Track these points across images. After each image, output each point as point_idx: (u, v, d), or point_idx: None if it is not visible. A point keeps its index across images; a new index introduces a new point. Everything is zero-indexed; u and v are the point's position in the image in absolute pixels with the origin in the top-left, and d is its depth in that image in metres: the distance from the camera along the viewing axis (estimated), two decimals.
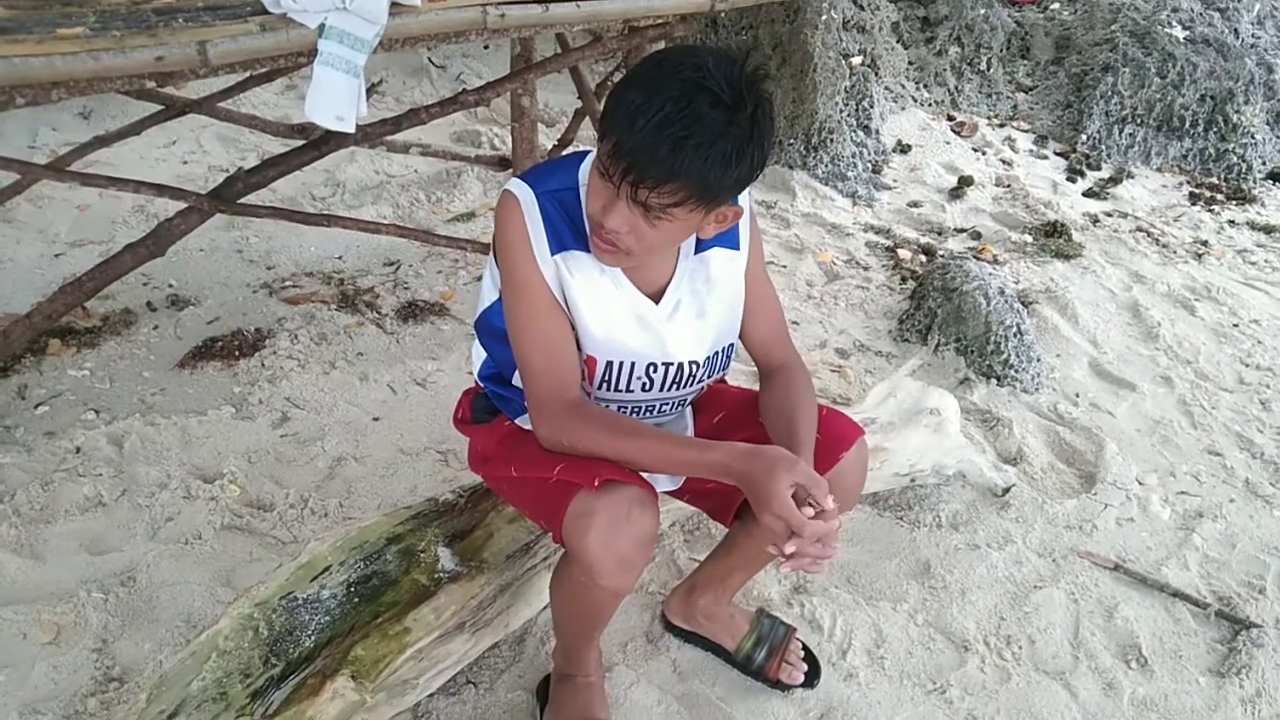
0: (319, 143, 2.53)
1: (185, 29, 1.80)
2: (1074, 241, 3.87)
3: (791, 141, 4.17)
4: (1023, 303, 3.21)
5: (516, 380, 1.53)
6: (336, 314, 2.87)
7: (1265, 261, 3.97)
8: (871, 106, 4.47)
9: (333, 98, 1.98)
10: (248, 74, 2.29)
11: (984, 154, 4.71)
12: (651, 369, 1.48)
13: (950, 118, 4.99)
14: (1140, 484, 2.54)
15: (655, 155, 1.19)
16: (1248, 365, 3.18)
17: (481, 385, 1.65)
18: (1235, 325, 3.41)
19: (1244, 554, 2.34)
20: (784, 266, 3.47)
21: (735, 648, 1.87)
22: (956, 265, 3.18)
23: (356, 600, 1.57)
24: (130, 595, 1.90)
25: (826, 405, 1.58)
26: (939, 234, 3.89)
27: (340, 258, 3.19)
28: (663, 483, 1.59)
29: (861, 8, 4.78)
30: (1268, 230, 4.26)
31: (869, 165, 4.32)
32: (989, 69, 5.23)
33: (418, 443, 2.41)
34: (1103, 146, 4.82)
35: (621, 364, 1.47)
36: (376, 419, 2.47)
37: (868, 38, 4.76)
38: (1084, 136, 4.84)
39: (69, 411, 2.37)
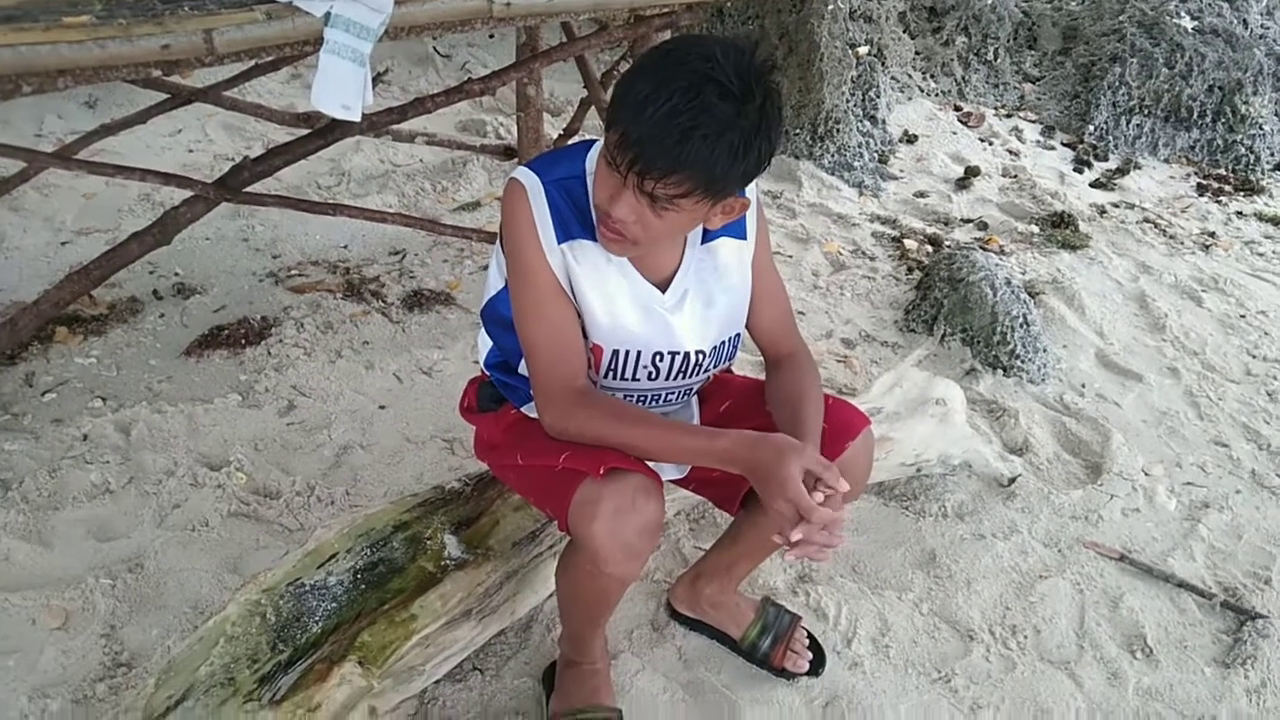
0: (325, 131, 2.53)
1: (191, 17, 1.80)
2: (1081, 232, 3.86)
3: (798, 131, 4.16)
4: (1029, 293, 3.20)
5: (522, 369, 1.54)
6: (342, 303, 2.87)
7: (1273, 253, 3.96)
8: (878, 96, 4.46)
9: (339, 86, 1.97)
10: (253, 62, 2.28)
11: (991, 144, 4.69)
12: (658, 358, 1.48)
13: (957, 108, 4.97)
14: (1146, 475, 2.53)
15: (662, 146, 1.19)
16: (1254, 356, 3.17)
17: (487, 374, 1.66)
18: (1242, 316, 3.41)
19: (1250, 545, 2.34)
20: (790, 256, 3.47)
21: (740, 636, 1.88)
22: (963, 255, 3.18)
23: (363, 587, 1.58)
24: (138, 581, 1.91)
25: (833, 395, 1.58)
26: (945, 224, 3.88)
27: (346, 247, 3.20)
28: (668, 471, 1.59)
29: None
30: (1275, 221, 4.24)
31: (875, 155, 4.30)
32: (996, 59, 5.21)
33: (424, 431, 2.41)
34: (1110, 137, 4.80)
35: (628, 352, 1.47)
36: (382, 407, 2.48)
37: (874, 27, 4.74)
38: (1091, 127, 4.82)
39: (76, 399, 2.38)
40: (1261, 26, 5.06)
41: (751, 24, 4.42)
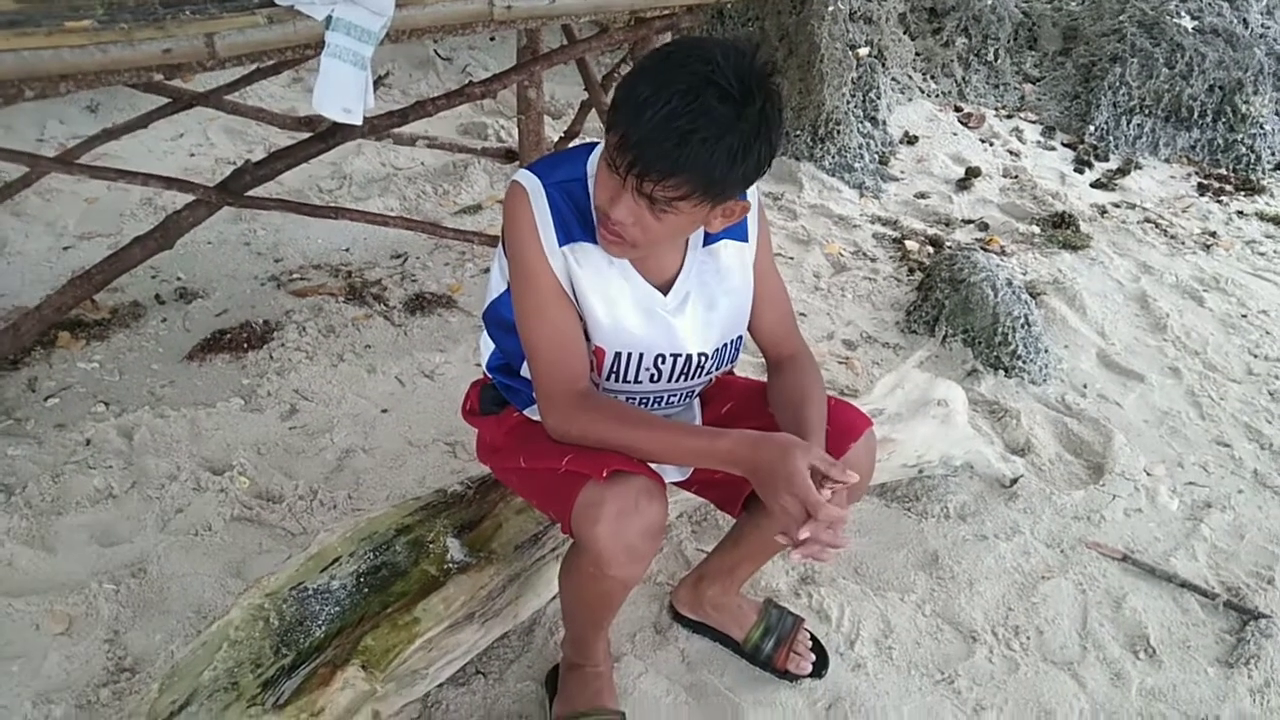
0: (326, 135, 2.53)
1: (193, 21, 1.80)
2: (1082, 232, 3.87)
3: (798, 133, 4.17)
4: (1030, 294, 3.20)
5: (525, 371, 1.54)
6: (344, 306, 2.87)
7: (1274, 252, 3.96)
8: (878, 98, 4.46)
9: (340, 90, 1.98)
10: (255, 66, 2.29)
11: (991, 145, 4.69)
12: (660, 360, 1.48)
13: (957, 109, 4.97)
14: (1148, 475, 2.53)
15: (661, 148, 1.19)
16: (1256, 356, 3.17)
17: (490, 376, 1.66)
18: (1244, 316, 3.40)
19: (1252, 544, 2.34)
20: (791, 258, 3.47)
21: (743, 638, 1.88)
22: (964, 256, 3.18)
23: (366, 591, 1.58)
24: (141, 586, 1.91)
25: (835, 396, 1.58)
26: (946, 225, 3.88)
27: (347, 250, 3.20)
28: (670, 473, 1.59)
29: None
30: (1276, 221, 4.24)
31: (876, 156, 4.31)
32: (996, 60, 5.21)
33: (426, 434, 2.41)
34: (1110, 137, 4.80)
35: (630, 355, 1.47)
36: (385, 411, 2.48)
37: (874, 29, 4.74)
38: (1092, 127, 4.82)
39: (79, 404, 2.38)
40: (1262, 26, 5.06)
41: (752, 26, 4.42)
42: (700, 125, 1.18)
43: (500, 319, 1.54)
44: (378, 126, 2.59)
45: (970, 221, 3.93)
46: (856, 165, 4.17)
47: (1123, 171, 4.57)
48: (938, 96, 5.02)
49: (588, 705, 1.68)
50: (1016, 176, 4.38)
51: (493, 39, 4.83)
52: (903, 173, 4.31)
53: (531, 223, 1.38)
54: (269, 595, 1.54)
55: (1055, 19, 5.40)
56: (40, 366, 2.49)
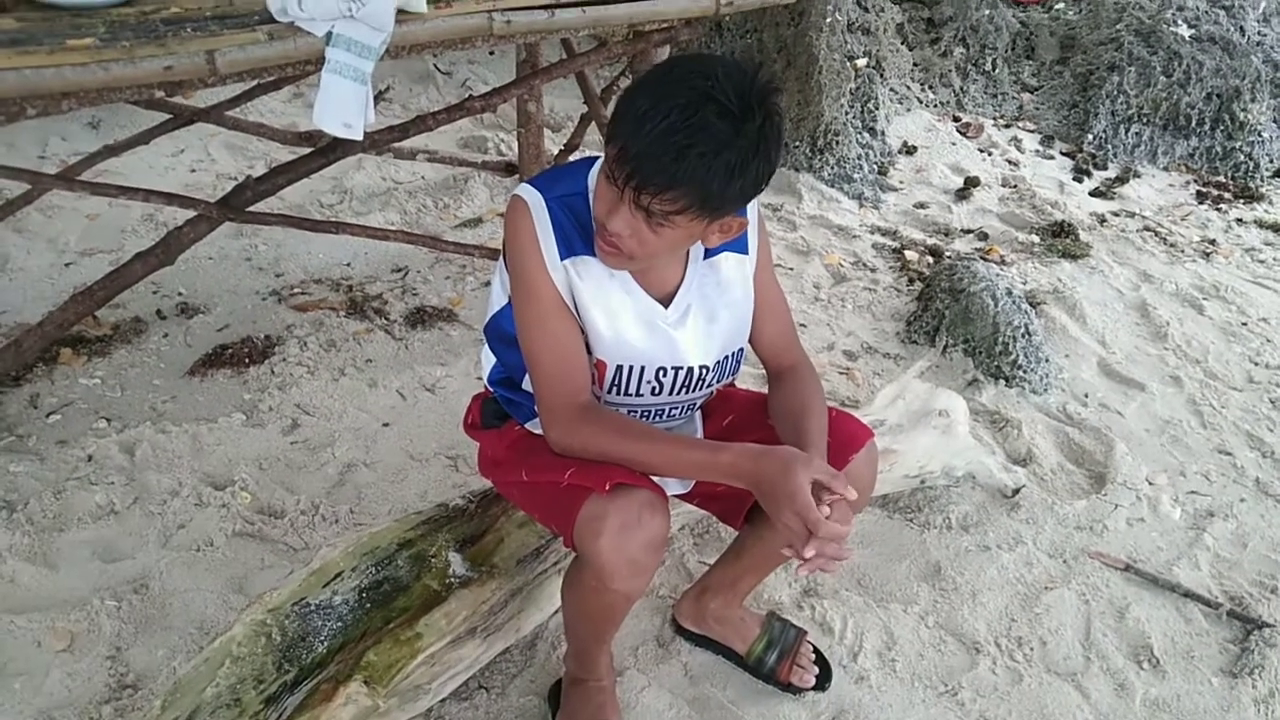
0: (327, 150, 2.54)
1: (194, 38, 1.81)
2: (1081, 241, 3.87)
3: (797, 144, 4.17)
4: (1030, 303, 3.20)
5: (526, 385, 1.54)
6: (345, 321, 2.88)
7: (1274, 259, 3.96)
8: (877, 108, 4.47)
9: (341, 105, 1.99)
10: (255, 82, 2.30)
11: (990, 154, 4.70)
12: (661, 373, 1.49)
13: (956, 119, 4.98)
14: (1150, 484, 2.53)
15: (659, 162, 1.20)
16: (1257, 364, 3.17)
17: (491, 390, 1.66)
18: (1244, 324, 3.41)
19: (1255, 553, 2.34)
20: (790, 269, 3.47)
21: (746, 651, 1.87)
22: (964, 266, 3.18)
23: (368, 606, 1.58)
24: (143, 602, 1.91)
25: (836, 407, 1.58)
26: (946, 235, 3.89)
27: (348, 264, 3.20)
28: (672, 486, 1.59)
29: (866, 10, 4.79)
30: (1276, 228, 4.24)
31: (875, 167, 4.31)
32: (994, 69, 5.23)
33: (427, 448, 2.41)
34: (1109, 146, 4.81)
35: (631, 368, 1.47)
36: (386, 425, 2.48)
37: (872, 40, 4.76)
38: (1090, 136, 4.83)
39: (80, 420, 2.38)
40: (1258, 34, 5.07)
41: (750, 38, 4.44)
42: (698, 140, 1.19)
43: (502, 332, 1.54)
44: (378, 141, 2.60)
45: (970, 231, 3.94)
46: (855, 176, 4.18)
47: (1121, 180, 4.58)
48: (936, 107, 5.04)
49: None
50: (1015, 186, 4.39)
51: (492, 53, 4.84)
52: (902, 183, 4.32)
53: (533, 236, 1.39)
54: (271, 611, 1.54)
55: (1053, 28, 5.41)
56: (42, 383, 2.49)
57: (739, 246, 1.53)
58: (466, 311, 3.00)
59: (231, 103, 2.96)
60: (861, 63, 4.50)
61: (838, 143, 4.18)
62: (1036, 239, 3.88)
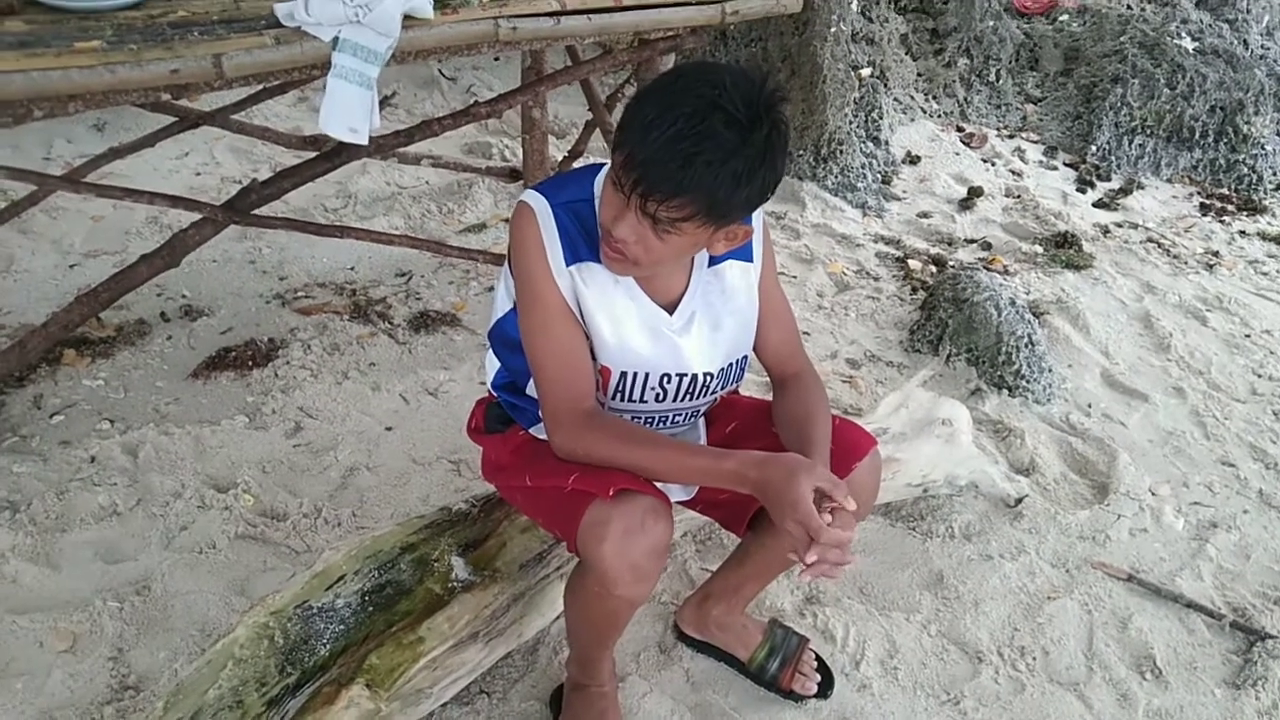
0: (331, 154, 2.54)
1: (200, 42, 1.81)
2: (1084, 252, 3.87)
3: (801, 153, 4.18)
4: (1034, 313, 3.21)
5: (530, 390, 1.54)
6: (349, 324, 2.88)
7: (1277, 272, 3.96)
8: (881, 118, 4.48)
9: (346, 110, 1.99)
10: (261, 86, 2.30)
11: (993, 165, 4.71)
12: (665, 380, 1.49)
13: (959, 129, 4.99)
14: (1153, 495, 2.53)
15: (665, 169, 1.20)
16: (1260, 376, 3.17)
17: (495, 395, 1.66)
18: (1247, 336, 3.41)
19: (1258, 565, 2.33)
20: (794, 277, 3.48)
21: (748, 658, 1.87)
22: (967, 276, 3.18)
23: (371, 609, 1.58)
24: (145, 604, 1.91)
25: (839, 415, 1.58)
26: (949, 244, 3.89)
27: (352, 268, 3.21)
28: (676, 492, 1.59)
29: (870, 20, 4.80)
30: (1279, 241, 4.25)
31: (878, 176, 4.32)
32: (998, 80, 5.24)
33: (430, 452, 2.41)
34: (1112, 157, 4.82)
35: (635, 374, 1.47)
36: (389, 429, 2.48)
37: (877, 49, 4.77)
38: (1094, 147, 4.83)
39: (84, 421, 2.38)
40: (1262, 47, 5.09)
41: (755, 47, 4.44)
42: (705, 148, 1.19)
43: (506, 337, 1.55)
44: (383, 146, 2.61)
45: (973, 241, 3.94)
46: (859, 185, 4.18)
47: (1125, 191, 4.58)
48: (940, 117, 5.04)
49: None
50: (1019, 196, 4.39)
51: (497, 60, 4.86)
52: (905, 192, 4.32)
53: (539, 242, 1.39)
54: (274, 613, 1.53)
55: (1056, 40, 5.42)
56: (46, 384, 2.49)
57: (744, 254, 1.53)
58: (470, 316, 3.00)
59: (237, 106, 2.97)
60: (866, 72, 4.51)
61: (841, 152, 4.19)
62: (1040, 249, 3.88)
